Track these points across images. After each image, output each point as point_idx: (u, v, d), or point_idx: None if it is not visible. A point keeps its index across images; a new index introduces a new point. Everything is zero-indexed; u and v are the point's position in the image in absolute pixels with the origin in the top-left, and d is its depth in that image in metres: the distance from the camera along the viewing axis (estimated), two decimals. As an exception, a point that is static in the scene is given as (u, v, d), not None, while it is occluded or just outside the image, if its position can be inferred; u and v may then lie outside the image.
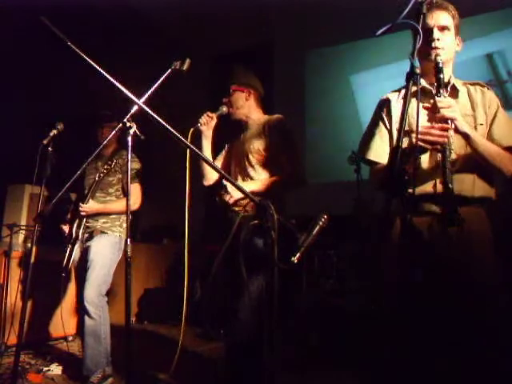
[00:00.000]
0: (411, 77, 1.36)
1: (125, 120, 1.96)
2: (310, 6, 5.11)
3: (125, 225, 3.30)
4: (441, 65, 1.77)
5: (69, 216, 3.44)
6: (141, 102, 1.84)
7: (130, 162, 1.97)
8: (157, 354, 3.31)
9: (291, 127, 2.73)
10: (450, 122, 1.69)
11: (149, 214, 3.65)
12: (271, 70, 5.98)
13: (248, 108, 2.82)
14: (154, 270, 5.02)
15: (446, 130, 1.67)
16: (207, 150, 2.79)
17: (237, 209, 2.57)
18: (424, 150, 1.71)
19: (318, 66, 5.66)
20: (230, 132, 2.89)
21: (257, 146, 2.68)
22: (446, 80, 1.86)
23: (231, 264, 2.31)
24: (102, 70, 1.63)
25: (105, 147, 3.34)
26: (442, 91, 1.75)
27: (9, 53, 4.39)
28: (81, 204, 3.20)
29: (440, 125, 1.67)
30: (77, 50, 1.62)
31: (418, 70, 1.35)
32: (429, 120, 1.73)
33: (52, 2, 3.47)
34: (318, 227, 1.55)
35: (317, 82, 5.62)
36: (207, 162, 1.95)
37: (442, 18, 1.89)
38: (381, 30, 1.48)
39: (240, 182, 2.64)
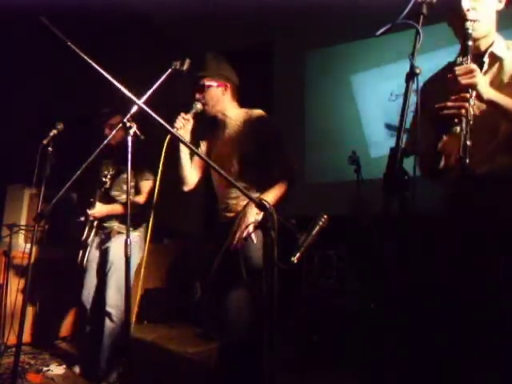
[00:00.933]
0: (411, 77, 1.35)
1: (125, 120, 1.97)
2: (309, 6, 5.11)
3: (144, 224, 3.29)
4: (470, 31, 1.61)
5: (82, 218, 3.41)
6: (141, 102, 1.84)
7: (129, 162, 1.96)
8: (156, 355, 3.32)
9: (274, 122, 2.55)
10: (470, 90, 1.54)
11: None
12: (271, 70, 5.98)
13: (225, 103, 2.58)
14: (154, 269, 5.02)
15: (464, 99, 1.53)
16: (185, 157, 2.56)
17: (227, 214, 2.50)
18: (449, 128, 1.54)
19: (318, 66, 5.65)
20: (202, 129, 2.64)
21: (242, 147, 2.46)
22: (485, 47, 1.73)
23: (228, 264, 2.31)
24: (101, 70, 1.63)
25: (110, 146, 3.30)
26: (464, 59, 1.59)
27: (7, 53, 4.39)
28: (88, 211, 3.21)
29: (456, 96, 1.54)
30: (76, 49, 1.63)
31: (417, 71, 1.35)
32: (450, 93, 1.57)
33: (50, 1, 3.47)
34: (317, 227, 1.55)
35: (317, 81, 5.62)
36: (213, 167, 1.92)
37: None
38: (381, 31, 1.48)
39: (228, 188, 2.50)
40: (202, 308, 4.56)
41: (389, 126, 4.88)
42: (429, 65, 1.92)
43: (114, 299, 3.11)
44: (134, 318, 1.97)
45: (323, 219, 1.55)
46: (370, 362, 2.40)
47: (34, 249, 2.67)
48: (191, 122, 2.49)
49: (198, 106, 2.51)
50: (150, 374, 3.16)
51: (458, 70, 1.56)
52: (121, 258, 3.13)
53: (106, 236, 3.30)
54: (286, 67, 5.87)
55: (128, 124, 1.95)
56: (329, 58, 5.58)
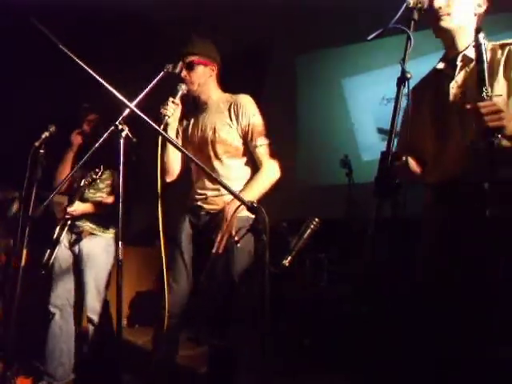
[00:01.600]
0: (402, 82, 1.37)
1: (117, 123, 1.94)
2: (301, 10, 5.13)
3: (116, 225, 3.22)
4: (483, 50, 1.52)
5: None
6: (133, 105, 1.84)
7: (121, 165, 1.93)
8: (147, 358, 3.29)
9: (257, 109, 2.46)
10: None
11: (140, 215, 3.63)
12: (263, 72, 5.98)
13: (210, 85, 2.50)
14: (145, 272, 4.99)
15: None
16: (172, 148, 2.45)
17: (206, 206, 2.44)
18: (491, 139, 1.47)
19: (309, 70, 5.67)
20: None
21: (223, 134, 2.39)
22: (461, 49, 1.75)
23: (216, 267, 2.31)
24: (93, 73, 1.63)
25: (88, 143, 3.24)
26: (484, 89, 1.50)
27: (5, 53, 4.37)
28: (67, 208, 3.10)
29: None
30: (69, 52, 1.62)
31: (408, 75, 1.36)
32: (475, 125, 1.53)
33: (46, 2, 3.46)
34: (309, 231, 1.56)
35: (309, 85, 5.63)
36: (202, 167, 1.93)
37: None
38: (372, 35, 1.50)
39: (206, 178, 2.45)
40: (194, 311, 4.54)
41: (380, 130, 4.90)
42: (422, 69, 1.95)
43: (94, 305, 3.04)
44: (115, 323, 1.93)
45: (315, 222, 1.56)
46: (362, 365, 2.40)
47: (24, 251, 2.65)
48: (180, 106, 2.41)
49: (183, 86, 2.40)
50: (140, 377, 3.14)
51: (483, 107, 1.47)
52: (97, 261, 3.07)
53: (77, 236, 3.18)
54: (277, 70, 5.88)
55: (120, 127, 1.93)
56: (321, 62, 5.60)
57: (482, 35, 1.53)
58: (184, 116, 2.59)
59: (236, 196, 1.60)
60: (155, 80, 2.24)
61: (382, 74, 4.99)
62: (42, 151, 2.92)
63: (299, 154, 5.49)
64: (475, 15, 1.78)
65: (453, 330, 1.65)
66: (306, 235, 1.54)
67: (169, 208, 2.35)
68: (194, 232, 2.46)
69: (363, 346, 2.42)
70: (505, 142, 1.57)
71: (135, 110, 1.84)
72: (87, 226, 3.17)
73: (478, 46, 1.54)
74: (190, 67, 2.45)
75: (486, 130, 1.46)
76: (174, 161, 2.52)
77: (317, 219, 1.57)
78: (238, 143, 2.42)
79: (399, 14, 1.48)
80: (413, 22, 1.48)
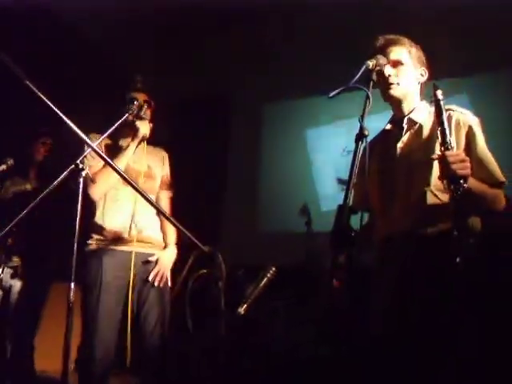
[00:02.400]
0: (360, 138, 1.42)
1: (77, 161, 1.92)
2: (268, 60, 5.29)
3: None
4: (442, 105, 1.66)
5: None
6: (95, 145, 1.83)
7: (79, 205, 1.89)
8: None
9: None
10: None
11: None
12: (228, 120, 6.08)
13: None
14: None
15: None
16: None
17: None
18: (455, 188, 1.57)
19: (274, 119, 5.80)
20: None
21: (158, 174, 2.68)
22: (406, 112, 1.92)
23: None
24: (59, 112, 1.63)
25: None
26: (448, 140, 1.62)
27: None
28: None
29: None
30: (34, 89, 1.62)
31: (366, 132, 1.42)
32: (441, 174, 1.63)
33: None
34: (265, 279, 1.56)
35: (273, 134, 5.75)
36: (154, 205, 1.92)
37: (393, 54, 1.91)
38: (334, 93, 1.57)
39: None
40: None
41: (340, 181, 5.01)
42: (381, 124, 2.06)
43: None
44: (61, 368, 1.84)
45: (272, 271, 1.57)
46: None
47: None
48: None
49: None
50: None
51: (450, 156, 1.58)
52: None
53: (13, 272, 3.02)
54: (242, 118, 5.99)
55: (80, 165, 1.90)
56: (286, 112, 5.73)
57: (439, 92, 1.67)
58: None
59: (193, 240, 1.59)
60: (118, 122, 2.25)
61: (344, 126, 5.15)
62: (-3, 184, 2.86)
63: (260, 201, 5.53)
64: (419, 83, 1.98)
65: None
66: (262, 284, 1.55)
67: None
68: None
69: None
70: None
71: (97, 150, 1.84)
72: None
73: (437, 101, 1.66)
74: (147, 105, 2.57)
75: (452, 177, 1.56)
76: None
77: (274, 268, 1.58)
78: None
79: (359, 74, 1.57)
80: (372, 82, 1.57)
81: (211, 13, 4.55)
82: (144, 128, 2.52)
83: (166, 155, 2.78)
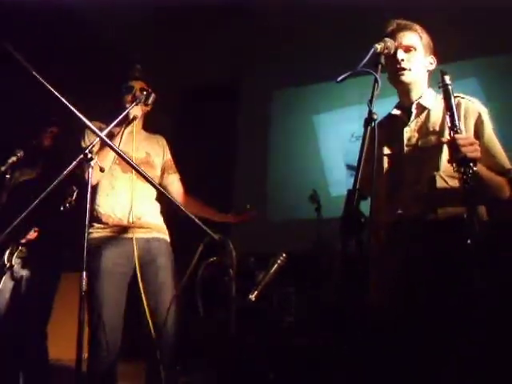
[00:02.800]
0: (369, 122, 1.41)
1: (86, 151, 1.92)
2: (276, 47, 5.26)
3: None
4: (450, 90, 1.67)
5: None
6: (103, 134, 1.84)
7: (88, 201, 1.89)
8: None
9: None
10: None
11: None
12: (237, 107, 6.06)
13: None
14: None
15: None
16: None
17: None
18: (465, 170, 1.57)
19: (283, 106, 5.77)
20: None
21: (158, 161, 2.68)
22: (415, 99, 1.92)
23: None
24: (67, 103, 1.63)
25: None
26: (459, 124, 1.65)
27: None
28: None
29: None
30: (42, 79, 1.62)
31: (375, 117, 1.41)
32: (450, 157, 1.64)
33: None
34: (276, 266, 1.56)
35: (282, 121, 5.73)
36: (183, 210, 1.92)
37: (406, 39, 1.91)
38: (342, 77, 1.55)
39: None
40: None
41: (349, 167, 4.99)
42: (389, 109, 2.04)
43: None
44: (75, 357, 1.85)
45: (282, 258, 1.57)
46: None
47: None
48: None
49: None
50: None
51: (460, 139, 1.59)
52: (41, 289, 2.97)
53: (23, 263, 2.99)
54: (251, 106, 5.97)
55: (89, 155, 1.90)
56: (294, 98, 5.70)
57: (447, 77, 1.67)
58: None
59: (204, 229, 1.59)
60: (126, 111, 2.25)
61: (352, 112, 5.11)
62: (8, 176, 2.87)
63: (270, 189, 5.53)
64: (427, 71, 1.98)
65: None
66: (273, 270, 1.55)
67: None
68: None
69: (330, 380, 2.40)
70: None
71: (106, 140, 1.85)
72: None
73: (445, 86, 1.66)
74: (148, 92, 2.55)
75: (462, 160, 1.56)
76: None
77: (284, 254, 1.58)
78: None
79: (367, 57, 1.55)
80: (380, 66, 1.55)
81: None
82: (134, 110, 2.47)
83: (164, 142, 2.79)
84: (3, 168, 2.90)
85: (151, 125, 2.77)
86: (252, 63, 5.68)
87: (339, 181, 5.08)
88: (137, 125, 2.56)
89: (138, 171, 1.83)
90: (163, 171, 2.73)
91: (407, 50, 1.90)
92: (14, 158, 2.96)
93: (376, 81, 1.51)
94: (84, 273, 1.78)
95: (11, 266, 2.94)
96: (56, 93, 1.61)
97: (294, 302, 4.22)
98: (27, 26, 3.98)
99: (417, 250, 1.74)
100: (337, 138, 5.19)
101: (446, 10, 4.09)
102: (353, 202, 1.30)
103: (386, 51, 1.67)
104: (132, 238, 2.42)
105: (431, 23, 2.05)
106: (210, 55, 5.44)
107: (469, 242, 1.50)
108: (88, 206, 1.88)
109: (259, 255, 2.09)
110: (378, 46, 1.63)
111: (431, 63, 1.98)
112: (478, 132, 1.82)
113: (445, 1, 4.11)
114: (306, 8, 4.72)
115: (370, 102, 1.47)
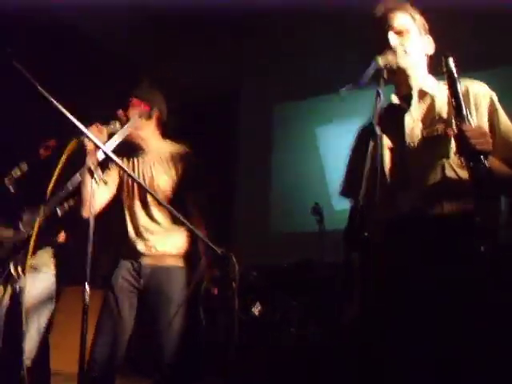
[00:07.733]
0: (371, 137, 1.41)
1: (89, 164, 1.91)
2: (277, 60, 5.29)
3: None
4: (455, 74, 1.50)
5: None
6: (105, 147, 1.85)
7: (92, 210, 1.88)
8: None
9: (196, 159, 2.49)
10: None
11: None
12: (238, 121, 6.07)
13: (148, 130, 2.47)
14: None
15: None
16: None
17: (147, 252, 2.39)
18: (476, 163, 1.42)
19: (284, 119, 5.78)
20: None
21: (162, 183, 2.40)
22: (414, 85, 1.73)
23: None
24: (71, 116, 1.63)
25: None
26: (467, 114, 1.48)
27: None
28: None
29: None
30: (46, 94, 1.63)
31: (378, 132, 1.41)
32: (457, 150, 1.50)
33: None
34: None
35: (283, 133, 5.74)
36: (187, 223, 1.92)
37: (397, 20, 1.72)
38: (343, 91, 1.55)
39: (145, 221, 2.41)
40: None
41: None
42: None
43: (32, 350, 2.76)
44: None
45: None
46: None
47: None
48: (105, 137, 2.20)
49: (117, 124, 2.28)
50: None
51: (467, 130, 1.43)
52: (40, 302, 2.90)
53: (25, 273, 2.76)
54: (253, 119, 5.98)
55: (93, 167, 1.90)
56: (295, 111, 5.71)
57: (451, 59, 1.52)
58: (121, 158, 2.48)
59: (209, 244, 1.59)
60: (129, 126, 2.26)
61: (355, 123, 5.10)
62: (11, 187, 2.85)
63: (273, 201, 5.53)
64: (425, 55, 1.79)
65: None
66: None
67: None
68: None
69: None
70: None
71: (108, 152, 1.85)
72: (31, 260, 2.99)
73: (449, 71, 1.52)
74: (129, 107, 2.41)
75: (470, 153, 1.42)
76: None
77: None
78: (173, 192, 2.42)
79: (369, 71, 1.54)
80: (382, 80, 1.54)
81: (224, 12, 4.55)
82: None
83: (172, 154, 2.49)
84: (7, 180, 2.87)
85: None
86: (252, 76, 5.70)
87: (342, 194, 5.06)
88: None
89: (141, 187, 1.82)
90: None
91: (399, 33, 1.71)
92: (18, 172, 2.92)
93: (378, 95, 1.49)
94: (87, 285, 1.78)
95: (18, 276, 2.92)
96: (61, 107, 1.61)
97: (296, 315, 4.20)
98: (28, 37, 4.01)
99: (425, 246, 1.55)
100: (339, 149, 5.15)
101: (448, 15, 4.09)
102: (357, 217, 1.29)
103: (387, 66, 1.59)
104: (140, 264, 2.38)
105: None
106: (210, 68, 5.46)
107: (482, 249, 1.33)
108: (92, 220, 1.87)
109: (261, 268, 2.09)
110: (381, 61, 1.57)
111: (429, 45, 1.79)
112: (493, 120, 1.62)
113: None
114: (308, 20, 4.77)
115: (373, 116, 1.46)
